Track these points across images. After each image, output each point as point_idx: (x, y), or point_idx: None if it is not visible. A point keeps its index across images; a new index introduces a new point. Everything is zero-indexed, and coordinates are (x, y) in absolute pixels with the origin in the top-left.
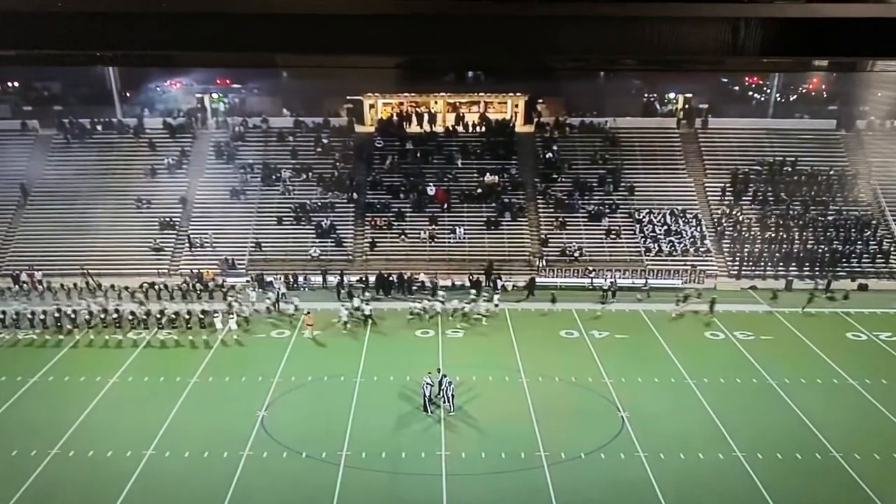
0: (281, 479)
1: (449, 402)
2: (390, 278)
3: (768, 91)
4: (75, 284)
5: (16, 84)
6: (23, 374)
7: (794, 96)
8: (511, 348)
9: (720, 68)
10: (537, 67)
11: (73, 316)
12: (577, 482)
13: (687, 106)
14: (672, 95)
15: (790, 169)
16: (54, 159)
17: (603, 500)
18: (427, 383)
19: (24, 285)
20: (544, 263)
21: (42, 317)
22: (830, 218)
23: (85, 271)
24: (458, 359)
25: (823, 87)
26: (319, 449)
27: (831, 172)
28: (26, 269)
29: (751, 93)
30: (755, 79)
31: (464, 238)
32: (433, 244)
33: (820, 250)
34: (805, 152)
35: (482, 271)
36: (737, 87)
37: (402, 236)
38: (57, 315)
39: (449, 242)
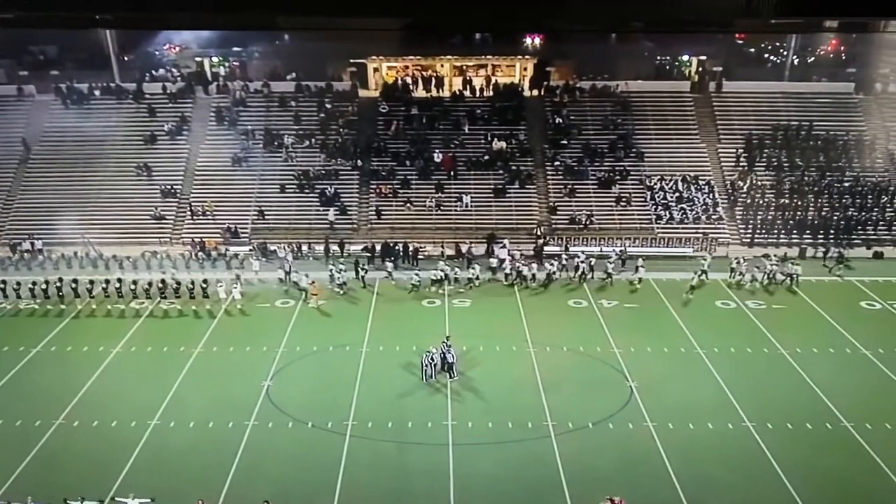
0: (287, 449)
1: (451, 369)
2: (395, 247)
3: (785, 53)
4: (76, 253)
5: None
6: (25, 345)
7: (812, 58)
8: (518, 318)
9: (732, 30)
10: (547, 30)
11: (74, 286)
12: (585, 452)
13: (701, 69)
14: (685, 58)
15: (806, 134)
16: (52, 126)
17: (611, 469)
18: (428, 352)
19: (25, 255)
20: (543, 232)
21: (43, 286)
22: (846, 184)
23: (86, 240)
24: (464, 328)
25: (842, 48)
26: (325, 419)
27: (848, 137)
28: (26, 238)
29: (767, 55)
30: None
31: (470, 206)
32: (439, 212)
33: (835, 217)
34: (822, 116)
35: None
36: (752, 49)
37: (408, 204)
38: (58, 285)
39: (455, 211)
